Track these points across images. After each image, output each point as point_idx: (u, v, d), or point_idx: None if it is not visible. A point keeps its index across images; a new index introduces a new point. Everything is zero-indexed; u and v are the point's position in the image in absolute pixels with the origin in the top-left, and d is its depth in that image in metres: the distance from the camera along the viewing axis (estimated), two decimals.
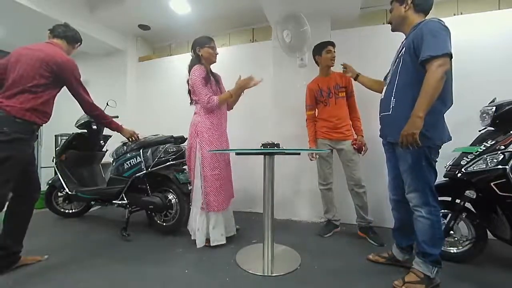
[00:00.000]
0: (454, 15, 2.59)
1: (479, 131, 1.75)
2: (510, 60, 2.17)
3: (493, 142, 1.53)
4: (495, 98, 1.76)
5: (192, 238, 1.98)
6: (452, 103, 1.37)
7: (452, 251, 1.68)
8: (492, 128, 1.66)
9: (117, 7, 3.06)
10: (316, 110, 2.32)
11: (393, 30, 1.53)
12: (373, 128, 2.02)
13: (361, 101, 2.26)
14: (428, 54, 1.21)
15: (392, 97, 1.38)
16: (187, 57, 3.51)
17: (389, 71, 1.53)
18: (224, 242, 1.96)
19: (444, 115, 1.38)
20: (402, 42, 1.46)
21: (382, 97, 1.50)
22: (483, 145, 1.56)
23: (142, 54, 3.87)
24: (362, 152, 2.12)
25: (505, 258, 1.77)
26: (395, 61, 1.46)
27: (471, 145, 1.69)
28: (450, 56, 1.22)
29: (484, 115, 1.65)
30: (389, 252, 1.68)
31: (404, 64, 1.35)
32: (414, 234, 1.44)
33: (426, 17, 1.38)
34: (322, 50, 2.20)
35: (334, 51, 2.18)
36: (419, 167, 1.34)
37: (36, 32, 3.26)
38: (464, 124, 2.17)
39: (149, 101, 3.73)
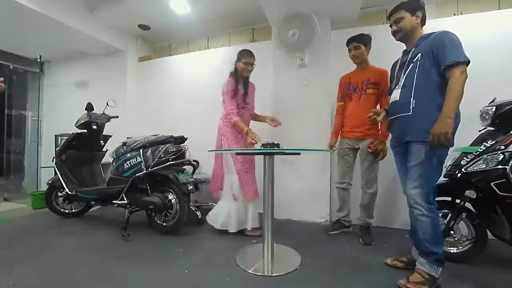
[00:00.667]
0: (454, 15, 2.59)
1: (479, 131, 1.75)
2: (510, 60, 2.17)
3: (493, 142, 1.53)
4: (495, 98, 1.76)
5: (216, 228, 2.21)
6: (460, 119, 1.41)
7: (452, 251, 1.68)
8: (492, 128, 1.66)
9: (117, 7, 3.05)
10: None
11: (398, 40, 1.56)
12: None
13: None
14: (454, 59, 1.30)
15: (412, 98, 1.42)
16: (187, 57, 3.56)
17: (398, 77, 1.56)
18: (257, 225, 2.19)
19: None
20: (411, 50, 1.50)
21: (397, 99, 1.51)
22: (483, 145, 1.56)
23: (142, 54, 3.87)
24: (378, 158, 2.01)
25: (505, 258, 1.77)
26: (406, 67, 1.50)
27: (471, 145, 1.69)
28: (467, 64, 1.33)
29: (484, 115, 1.65)
30: (408, 256, 1.64)
31: (422, 69, 1.41)
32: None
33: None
34: (347, 46, 2.14)
35: (356, 47, 2.07)
36: (430, 165, 1.37)
37: (36, 32, 3.28)
38: (464, 124, 2.17)
39: (149, 101, 3.73)
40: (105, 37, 3.43)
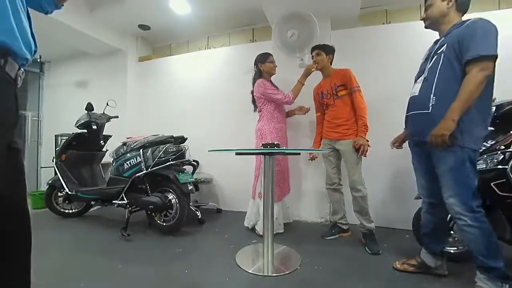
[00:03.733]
0: None
1: None
2: (509, 60, 2.16)
3: (493, 142, 1.53)
4: (495, 98, 1.75)
5: (246, 225, 2.32)
6: (490, 115, 1.33)
7: (452, 251, 1.68)
8: (492, 128, 1.66)
9: (117, 7, 3.05)
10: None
11: (427, 27, 1.45)
12: (377, 127, 2.02)
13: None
14: (475, 53, 1.17)
15: (432, 95, 1.31)
16: (187, 57, 3.56)
17: (421, 69, 1.45)
18: (281, 231, 2.23)
19: None
20: (439, 40, 1.39)
21: (416, 94, 1.41)
22: (483, 145, 1.56)
23: (142, 54, 3.87)
24: (359, 153, 1.98)
25: (505, 258, 1.76)
26: (431, 58, 1.38)
27: None
28: (495, 58, 1.20)
29: None
30: (417, 259, 1.56)
31: (447, 61, 1.29)
32: (448, 236, 1.46)
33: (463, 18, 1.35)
34: (311, 54, 2.22)
35: (318, 54, 2.16)
36: (463, 170, 1.24)
37: (36, 32, 3.27)
38: None
39: (149, 101, 3.73)
40: (105, 37, 3.43)
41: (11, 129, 0.73)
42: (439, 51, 1.34)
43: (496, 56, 1.20)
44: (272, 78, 2.43)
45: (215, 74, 3.29)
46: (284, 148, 1.78)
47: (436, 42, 1.43)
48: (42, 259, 1.75)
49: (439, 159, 1.32)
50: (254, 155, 2.31)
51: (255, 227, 2.26)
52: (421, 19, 1.48)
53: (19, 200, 0.74)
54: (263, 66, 2.33)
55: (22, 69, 0.75)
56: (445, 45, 1.31)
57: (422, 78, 1.41)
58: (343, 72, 2.09)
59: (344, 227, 2.20)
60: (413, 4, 2.72)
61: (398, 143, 1.70)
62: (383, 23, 2.82)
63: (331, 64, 2.21)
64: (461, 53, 1.23)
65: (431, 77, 1.34)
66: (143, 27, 3.54)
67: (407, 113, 1.51)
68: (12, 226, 0.71)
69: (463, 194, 1.25)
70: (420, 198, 1.77)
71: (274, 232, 2.10)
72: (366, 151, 1.98)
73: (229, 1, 2.93)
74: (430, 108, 1.32)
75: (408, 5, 2.74)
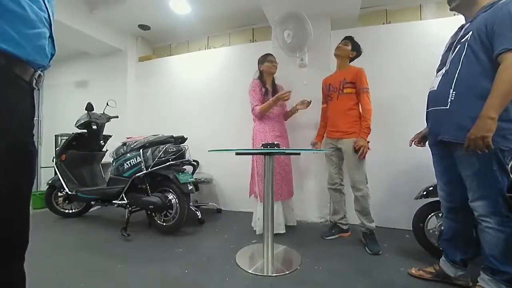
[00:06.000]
0: (454, 15, 2.58)
1: None
2: None
3: None
4: None
5: (252, 225, 2.29)
6: None
7: None
8: None
9: (117, 7, 3.05)
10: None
11: (452, 9, 1.30)
12: (378, 127, 2.02)
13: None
14: (506, 46, 1.02)
15: (451, 90, 1.19)
16: (187, 57, 3.56)
17: (443, 60, 1.32)
18: (282, 231, 2.18)
19: None
20: (465, 26, 1.23)
21: (435, 89, 1.30)
22: None
23: (142, 54, 3.87)
24: (358, 154, 1.95)
25: None
26: (454, 48, 1.23)
27: None
28: None
29: None
30: (436, 266, 1.46)
31: (471, 51, 1.14)
32: (472, 247, 1.31)
33: None
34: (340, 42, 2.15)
35: (346, 44, 2.10)
36: (489, 172, 1.14)
37: None
38: None
39: (149, 101, 3.73)
40: (105, 37, 3.43)
41: (25, 130, 0.74)
42: (463, 40, 1.18)
43: None
44: (277, 77, 2.43)
45: (215, 74, 3.29)
46: (284, 148, 1.77)
47: (461, 28, 1.26)
48: (42, 259, 1.75)
49: (462, 161, 1.21)
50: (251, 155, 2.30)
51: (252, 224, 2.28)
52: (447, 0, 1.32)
53: (22, 203, 0.74)
54: (262, 67, 2.34)
55: (38, 71, 0.74)
56: (470, 32, 1.15)
57: (443, 71, 1.27)
58: (356, 70, 2.07)
59: (344, 227, 2.19)
60: (413, 4, 2.72)
61: (417, 139, 1.59)
62: (383, 23, 2.82)
63: (349, 62, 2.17)
64: (491, 42, 1.07)
65: (452, 70, 1.21)
66: (143, 27, 3.54)
67: (427, 109, 1.39)
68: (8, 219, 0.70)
69: (490, 197, 1.15)
70: (421, 198, 1.77)
71: (294, 224, 2.21)
72: (366, 153, 1.96)
73: (229, 1, 2.93)
74: (449, 104, 1.20)
75: (408, 5, 2.74)
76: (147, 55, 3.89)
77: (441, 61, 1.35)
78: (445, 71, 1.25)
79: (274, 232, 2.03)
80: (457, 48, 1.21)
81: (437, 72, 1.35)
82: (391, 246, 1.95)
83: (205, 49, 3.68)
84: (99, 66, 3.90)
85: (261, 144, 2.00)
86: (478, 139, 1.05)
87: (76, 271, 1.59)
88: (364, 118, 2.00)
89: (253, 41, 3.37)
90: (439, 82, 1.28)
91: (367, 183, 2.00)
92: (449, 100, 1.20)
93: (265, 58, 2.34)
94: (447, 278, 1.40)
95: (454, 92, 1.18)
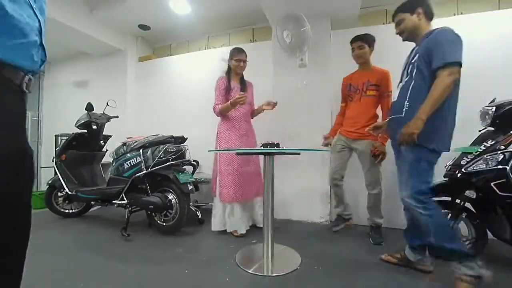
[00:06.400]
0: (454, 15, 2.59)
1: (479, 131, 1.75)
2: (510, 60, 2.17)
3: (493, 142, 1.53)
4: (495, 98, 1.76)
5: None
6: (455, 122, 1.39)
7: None
8: (492, 128, 1.66)
9: (117, 7, 3.05)
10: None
11: (405, 40, 1.56)
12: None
13: None
14: (441, 61, 1.27)
15: (406, 101, 1.42)
16: (187, 57, 3.56)
17: (402, 76, 1.55)
18: (242, 232, 2.15)
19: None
20: (414, 49, 1.49)
21: (395, 100, 1.53)
22: (483, 145, 1.56)
23: (142, 54, 3.87)
24: (377, 160, 2.00)
25: (505, 258, 1.77)
26: (408, 67, 1.49)
27: (471, 145, 1.69)
28: (460, 65, 1.29)
29: (484, 115, 1.65)
30: (402, 253, 1.64)
31: (419, 71, 1.39)
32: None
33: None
34: (351, 45, 2.13)
35: (360, 47, 2.06)
36: (418, 166, 1.37)
37: None
38: (464, 124, 2.17)
39: (149, 101, 3.73)
40: (105, 37, 3.43)
41: (20, 127, 0.74)
42: (413, 61, 1.45)
43: (461, 64, 1.29)
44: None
45: (215, 74, 3.27)
46: (284, 148, 1.77)
47: (412, 50, 1.53)
48: (42, 259, 1.75)
49: (402, 157, 1.44)
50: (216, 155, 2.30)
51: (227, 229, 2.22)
52: (396, 34, 1.58)
53: (24, 206, 0.75)
54: (230, 62, 2.28)
55: (28, 76, 0.75)
56: (418, 55, 1.41)
57: (400, 85, 1.52)
58: (383, 73, 2.05)
59: (347, 217, 2.25)
60: None
61: (375, 131, 1.78)
62: (383, 23, 2.82)
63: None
64: (431, 61, 1.33)
65: (407, 84, 1.45)
66: (143, 27, 3.54)
67: (389, 117, 1.60)
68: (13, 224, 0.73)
69: (414, 187, 1.36)
70: None
71: (240, 232, 2.13)
72: (383, 160, 2.02)
73: (229, 1, 2.93)
74: (404, 113, 1.42)
75: None
76: (147, 55, 3.89)
77: (400, 77, 1.57)
78: (402, 86, 1.50)
79: (239, 233, 2.13)
80: (410, 67, 1.47)
81: (398, 86, 1.57)
82: (391, 245, 1.95)
83: (205, 49, 3.68)
84: (99, 66, 3.90)
85: (225, 144, 2.14)
86: (407, 134, 1.30)
87: (76, 271, 1.59)
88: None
89: (253, 41, 3.37)
90: (398, 94, 1.52)
91: (380, 182, 2.07)
92: (404, 109, 1.42)
93: (233, 55, 2.26)
94: (409, 262, 1.58)
95: (408, 103, 1.41)
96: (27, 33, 0.71)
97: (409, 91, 1.42)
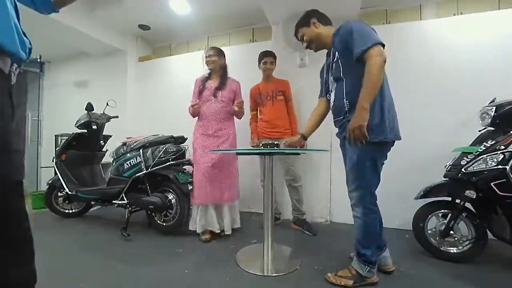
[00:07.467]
0: (454, 15, 2.59)
1: (479, 131, 1.75)
2: (510, 60, 2.17)
3: (493, 142, 1.53)
4: (495, 98, 1.76)
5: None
6: (392, 99, 1.38)
7: (452, 251, 1.68)
8: (492, 128, 1.66)
9: (117, 7, 3.05)
10: (259, 110, 2.53)
11: (317, 50, 1.59)
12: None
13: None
14: (361, 48, 1.24)
15: (344, 100, 1.38)
16: (187, 57, 3.56)
17: (326, 84, 1.58)
18: (206, 237, 2.05)
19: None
20: (330, 51, 1.49)
21: (332, 104, 1.49)
22: (483, 145, 1.56)
23: (142, 54, 3.87)
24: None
25: (505, 258, 1.77)
26: (331, 69, 1.47)
27: (471, 145, 1.70)
28: (383, 45, 1.25)
29: (484, 115, 1.66)
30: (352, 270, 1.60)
31: (346, 67, 1.37)
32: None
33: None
34: (260, 61, 2.40)
35: (272, 62, 2.39)
36: (363, 166, 1.34)
37: (36, 32, 3.27)
38: (464, 124, 2.17)
39: (149, 101, 3.73)
40: (105, 37, 3.43)
41: (7, 116, 0.71)
42: (335, 59, 1.43)
43: (381, 43, 1.24)
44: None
45: None
46: (283, 148, 1.77)
47: (328, 54, 1.54)
48: (42, 259, 1.75)
49: (347, 155, 1.42)
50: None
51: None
52: (305, 48, 1.61)
53: (13, 208, 0.74)
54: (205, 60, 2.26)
55: (15, 65, 0.74)
56: (336, 52, 1.41)
57: (332, 89, 1.48)
58: (285, 82, 2.44)
59: (277, 215, 2.55)
60: (413, 4, 2.72)
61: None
62: (383, 23, 2.82)
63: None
64: (352, 51, 1.28)
65: (339, 84, 1.41)
66: (143, 27, 3.54)
67: (333, 119, 1.55)
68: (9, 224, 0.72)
69: (361, 189, 1.37)
70: (420, 198, 1.78)
71: (228, 233, 2.09)
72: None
73: (229, 1, 2.93)
74: (347, 112, 1.38)
75: (408, 5, 2.74)
76: (147, 55, 3.89)
77: (324, 86, 1.61)
78: (335, 91, 1.45)
79: (227, 232, 2.11)
80: (334, 67, 1.44)
81: (329, 92, 1.54)
82: (391, 246, 1.94)
83: (205, 49, 3.67)
84: (99, 66, 3.90)
85: (194, 144, 2.18)
86: (356, 128, 1.23)
87: (76, 271, 1.59)
88: (294, 121, 2.44)
89: (253, 41, 3.37)
90: (334, 97, 1.47)
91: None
92: (346, 109, 1.38)
93: (206, 51, 2.23)
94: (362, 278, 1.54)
95: (347, 102, 1.37)
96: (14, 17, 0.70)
97: (344, 90, 1.38)
